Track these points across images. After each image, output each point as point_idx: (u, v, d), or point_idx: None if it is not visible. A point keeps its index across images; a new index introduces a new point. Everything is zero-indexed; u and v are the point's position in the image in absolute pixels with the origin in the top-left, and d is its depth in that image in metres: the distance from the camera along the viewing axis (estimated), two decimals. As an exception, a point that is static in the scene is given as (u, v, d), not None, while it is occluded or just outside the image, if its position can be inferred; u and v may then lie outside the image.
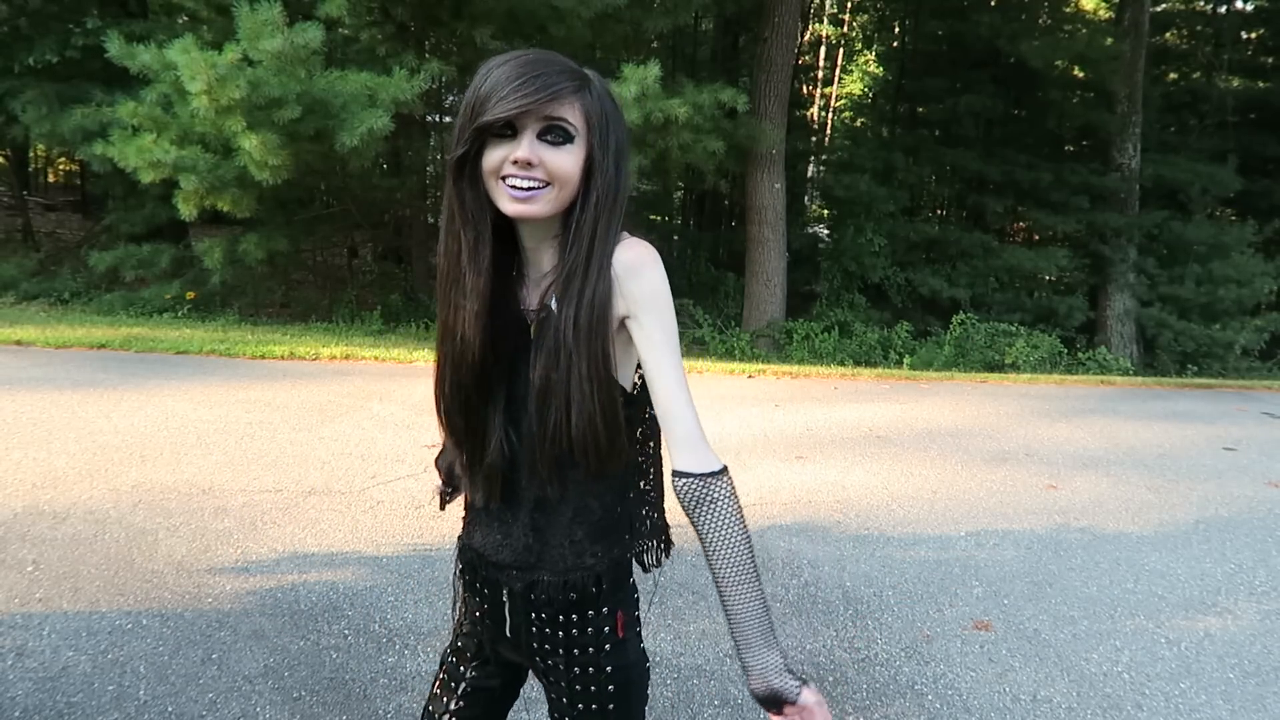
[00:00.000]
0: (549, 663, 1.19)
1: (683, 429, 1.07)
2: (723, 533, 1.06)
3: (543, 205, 1.05)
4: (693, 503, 1.06)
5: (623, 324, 1.09)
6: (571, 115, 1.04)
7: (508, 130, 1.04)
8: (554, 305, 1.09)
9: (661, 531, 1.27)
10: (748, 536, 1.07)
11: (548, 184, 1.04)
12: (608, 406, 1.07)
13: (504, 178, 1.04)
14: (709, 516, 1.06)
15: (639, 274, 1.07)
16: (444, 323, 1.13)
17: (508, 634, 1.23)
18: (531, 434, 1.12)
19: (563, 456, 1.10)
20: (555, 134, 1.04)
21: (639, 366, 1.14)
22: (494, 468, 1.15)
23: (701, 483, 1.06)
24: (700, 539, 1.07)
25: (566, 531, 1.16)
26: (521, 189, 1.04)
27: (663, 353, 1.07)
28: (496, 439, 1.14)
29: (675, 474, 1.08)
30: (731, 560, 1.05)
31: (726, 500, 1.06)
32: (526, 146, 1.03)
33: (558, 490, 1.14)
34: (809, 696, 1.04)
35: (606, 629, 1.18)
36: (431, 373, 1.20)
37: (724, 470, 1.07)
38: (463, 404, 1.14)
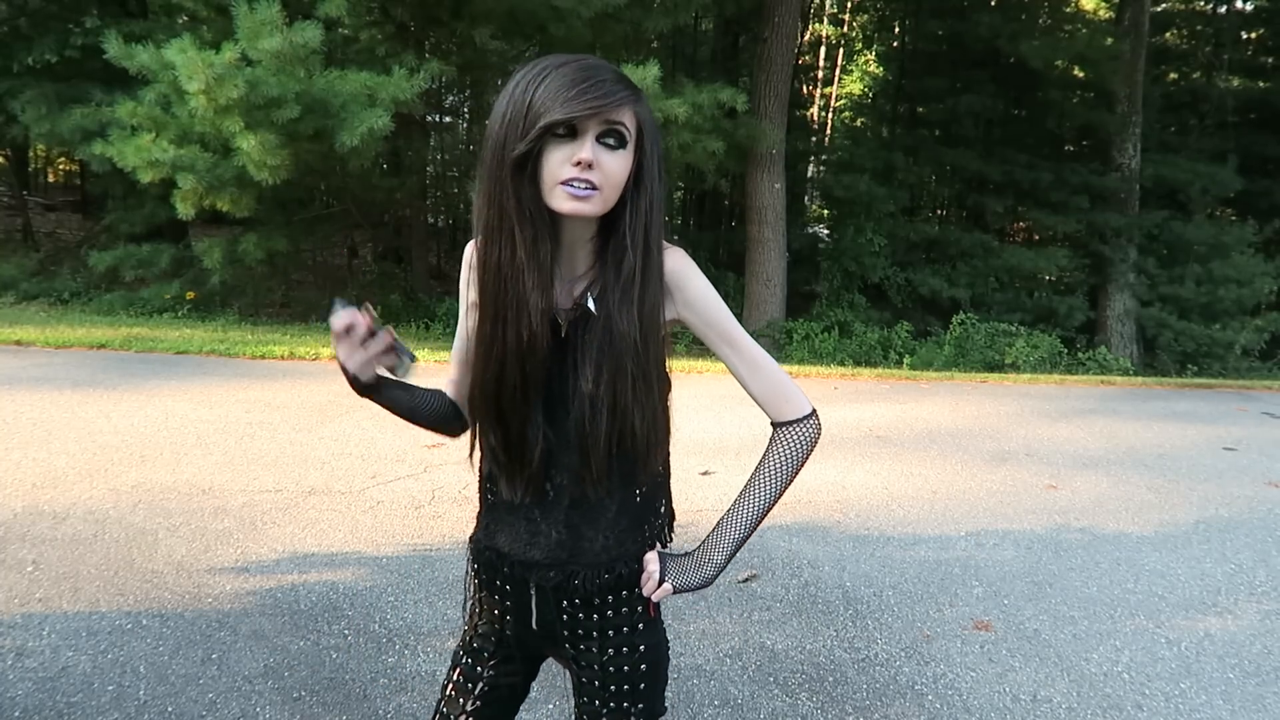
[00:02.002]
0: (581, 647, 1.24)
1: (788, 383, 1.22)
2: (795, 457, 1.21)
3: (594, 205, 1.08)
4: (811, 433, 1.22)
5: (668, 322, 1.19)
6: (629, 121, 1.08)
7: (567, 132, 1.06)
8: (593, 306, 1.12)
9: (672, 515, 1.32)
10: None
11: (599, 186, 1.07)
12: (663, 403, 1.18)
13: (564, 181, 1.06)
14: (803, 445, 1.21)
15: (689, 280, 1.17)
16: (493, 326, 1.13)
17: (534, 626, 1.25)
18: (571, 434, 1.14)
19: (618, 456, 1.15)
20: (613, 138, 1.07)
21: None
22: (537, 470, 1.17)
23: (817, 419, 1.23)
24: (772, 451, 1.21)
25: (612, 524, 1.20)
26: (579, 188, 1.06)
27: (737, 334, 1.19)
28: (538, 440, 1.16)
29: (809, 416, 1.22)
30: (781, 479, 1.21)
31: (817, 436, 1.24)
32: (589, 148, 1.05)
33: (605, 487, 1.17)
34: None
35: (640, 609, 1.24)
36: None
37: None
38: (517, 405, 1.15)
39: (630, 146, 1.08)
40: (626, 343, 1.10)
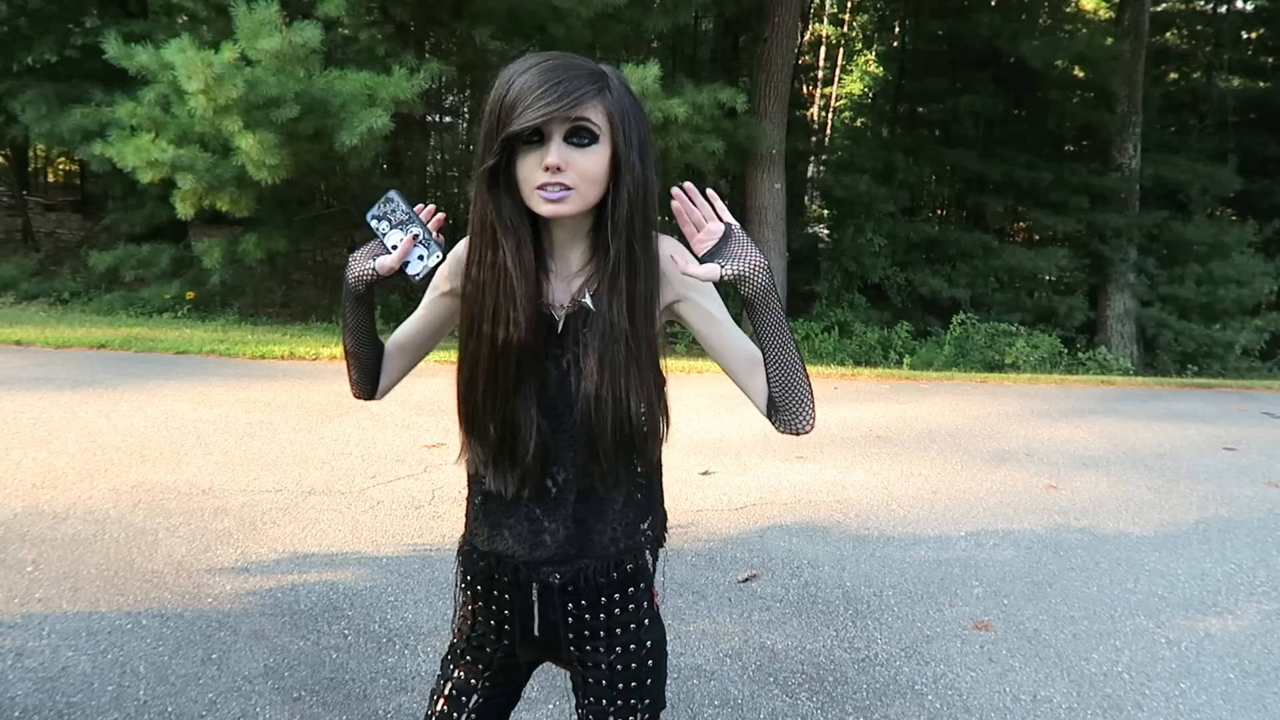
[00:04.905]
0: (588, 648, 1.22)
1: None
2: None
3: (571, 205, 1.09)
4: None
5: (665, 310, 1.21)
6: (595, 116, 1.07)
7: (535, 137, 1.06)
8: (590, 301, 1.13)
9: (665, 514, 1.32)
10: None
11: (574, 186, 1.07)
12: (660, 390, 1.19)
13: (539, 186, 1.07)
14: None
15: (685, 254, 1.19)
16: (479, 330, 1.14)
17: (536, 633, 1.23)
18: (577, 429, 1.15)
19: (622, 444, 1.15)
20: (581, 136, 1.07)
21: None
22: (531, 465, 1.17)
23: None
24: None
25: (619, 515, 1.20)
26: (553, 192, 1.07)
27: (725, 316, 1.23)
28: (532, 435, 1.16)
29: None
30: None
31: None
32: (555, 152, 1.06)
33: (613, 479, 1.18)
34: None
35: (645, 603, 1.24)
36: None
37: None
38: (502, 406, 1.15)
39: (604, 140, 1.08)
40: (619, 332, 1.11)
